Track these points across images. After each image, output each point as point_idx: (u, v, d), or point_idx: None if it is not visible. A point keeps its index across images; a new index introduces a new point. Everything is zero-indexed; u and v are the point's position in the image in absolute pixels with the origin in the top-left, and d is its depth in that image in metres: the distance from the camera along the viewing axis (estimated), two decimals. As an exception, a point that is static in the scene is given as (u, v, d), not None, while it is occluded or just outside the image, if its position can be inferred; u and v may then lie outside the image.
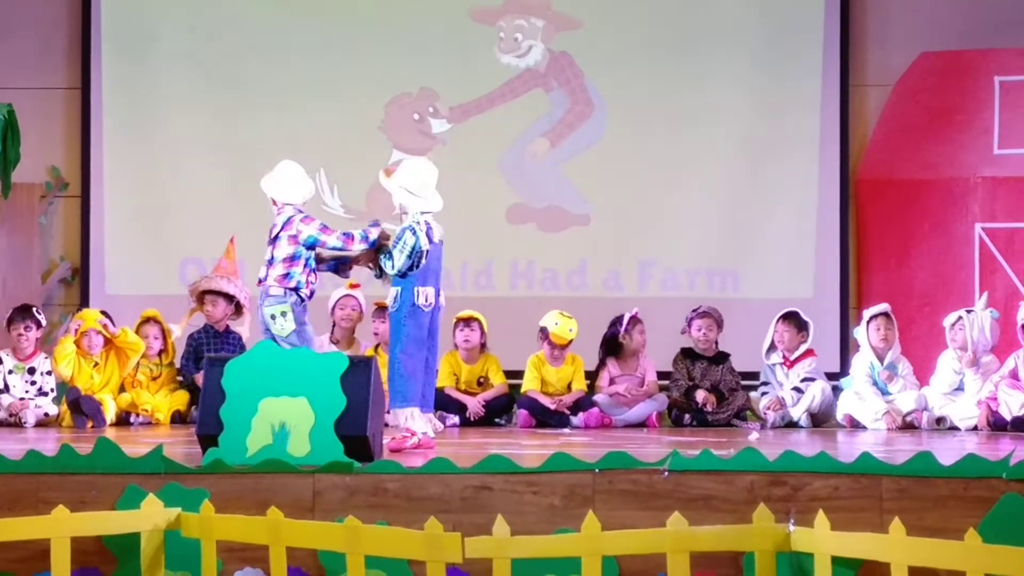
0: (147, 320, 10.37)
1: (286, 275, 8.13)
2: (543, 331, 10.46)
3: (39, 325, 10.20)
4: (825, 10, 11.77)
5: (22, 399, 9.99)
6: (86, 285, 11.58)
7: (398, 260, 8.10)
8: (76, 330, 10.12)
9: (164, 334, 10.39)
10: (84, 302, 11.38)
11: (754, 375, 10.68)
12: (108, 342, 10.16)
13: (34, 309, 10.24)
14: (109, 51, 11.68)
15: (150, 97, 11.70)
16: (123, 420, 10.00)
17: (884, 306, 10.46)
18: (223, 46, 11.72)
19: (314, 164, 11.60)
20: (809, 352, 10.53)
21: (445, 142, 11.76)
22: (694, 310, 10.74)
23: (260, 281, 8.23)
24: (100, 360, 10.17)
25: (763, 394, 10.49)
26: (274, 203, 8.34)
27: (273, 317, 8.13)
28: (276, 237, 8.22)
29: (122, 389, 10.18)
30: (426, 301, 8.16)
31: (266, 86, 11.68)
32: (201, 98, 11.67)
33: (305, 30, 11.73)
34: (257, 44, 11.72)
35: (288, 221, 8.20)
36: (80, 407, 9.75)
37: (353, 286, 10.35)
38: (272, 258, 8.18)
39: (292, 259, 8.14)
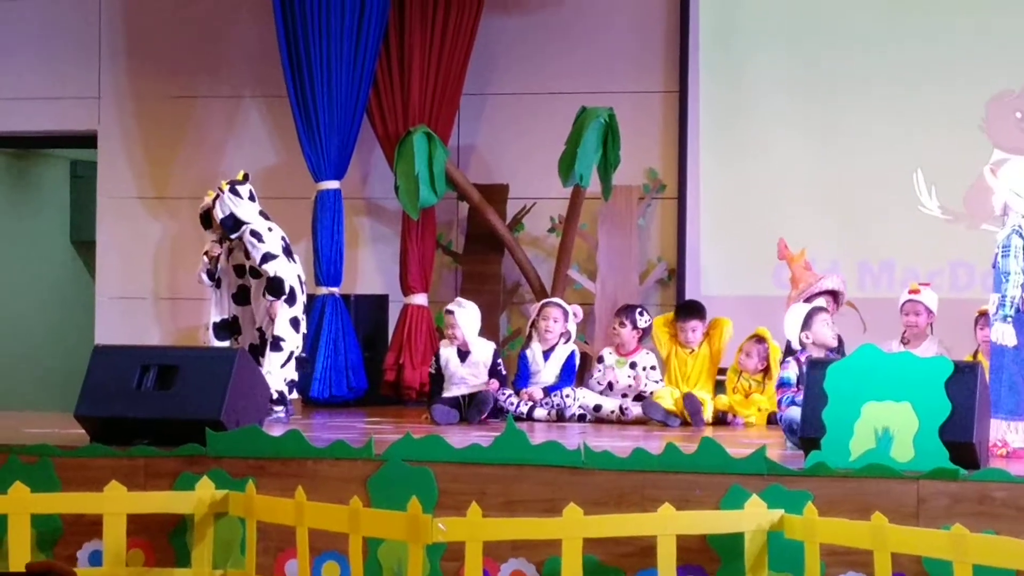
0: (753, 336, 10.31)
1: None
2: None
3: (634, 326, 10.42)
4: None
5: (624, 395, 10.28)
6: (682, 286, 11.75)
7: (1013, 267, 7.86)
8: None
9: (768, 354, 10.19)
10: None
11: None
12: (704, 336, 10.33)
13: (637, 310, 10.47)
14: (706, 53, 11.81)
15: (745, 99, 11.76)
16: (719, 420, 10.10)
17: None
18: (821, 41, 11.63)
19: (912, 163, 11.48)
20: None
21: (1049, 142, 11.36)
22: None
23: None
24: (697, 349, 10.34)
25: None
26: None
27: None
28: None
29: (721, 389, 10.31)
30: None
31: (863, 81, 11.53)
32: (797, 99, 11.62)
33: (904, 22, 11.52)
34: (856, 38, 11.57)
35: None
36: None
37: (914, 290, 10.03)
38: None
39: None
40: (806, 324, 9.47)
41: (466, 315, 10.21)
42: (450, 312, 10.23)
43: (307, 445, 7.71)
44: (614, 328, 10.47)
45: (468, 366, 10.17)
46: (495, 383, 10.06)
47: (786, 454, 7.61)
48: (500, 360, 10.35)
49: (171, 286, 12.55)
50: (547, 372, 10.35)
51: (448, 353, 10.22)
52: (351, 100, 11.60)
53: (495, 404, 10.03)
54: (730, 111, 11.82)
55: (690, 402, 9.88)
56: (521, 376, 10.40)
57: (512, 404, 10.11)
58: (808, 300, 10.27)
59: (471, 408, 9.94)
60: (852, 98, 11.56)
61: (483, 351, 10.21)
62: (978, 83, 11.40)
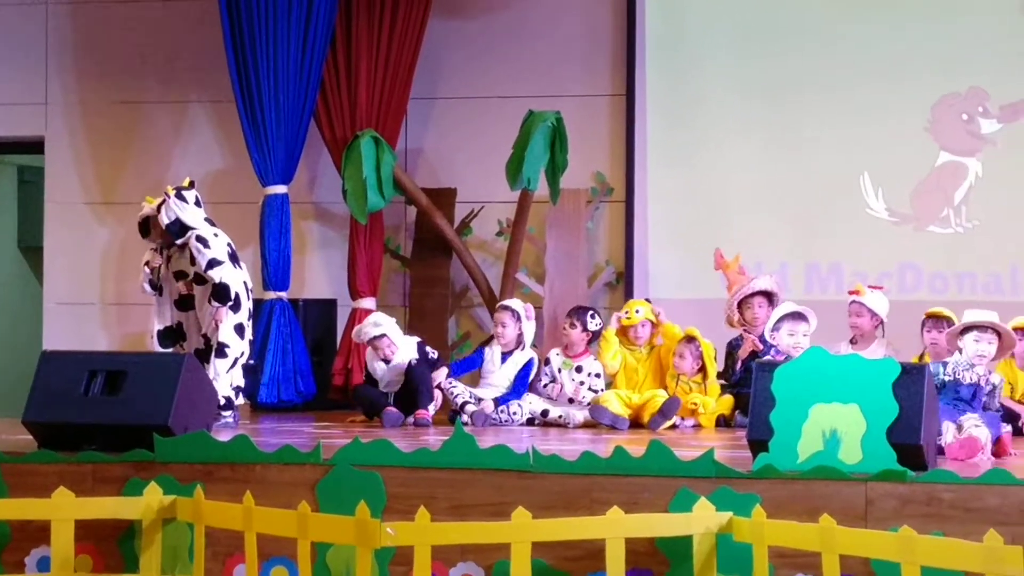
0: (683, 337, 10.28)
1: None
2: None
3: (584, 328, 10.40)
4: None
5: (571, 399, 10.27)
6: (630, 289, 11.77)
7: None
8: (619, 320, 10.37)
9: (702, 353, 10.20)
10: (629, 306, 11.58)
11: None
12: (652, 338, 10.33)
13: (588, 312, 10.45)
14: (654, 57, 11.83)
15: (693, 102, 11.80)
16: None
17: None
18: (769, 45, 11.67)
19: (859, 166, 11.54)
20: None
21: (995, 143, 11.43)
22: None
23: None
24: (645, 352, 10.33)
25: None
26: None
27: None
28: None
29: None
30: None
31: (811, 85, 11.56)
32: (745, 103, 11.67)
33: (851, 26, 11.57)
34: (803, 42, 11.60)
35: None
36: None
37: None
38: None
39: None
40: (776, 326, 9.52)
41: (393, 328, 10.24)
42: (380, 336, 10.20)
43: (255, 450, 7.69)
44: (564, 328, 10.48)
45: (395, 366, 10.24)
46: (426, 415, 10.06)
47: (734, 456, 7.61)
48: (427, 348, 10.39)
49: (119, 292, 12.50)
50: (500, 375, 10.34)
51: (375, 364, 10.33)
52: (298, 104, 11.58)
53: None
54: (678, 114, 11.85)
55: (672, 403, 9.90)
56: (466, 363, 10.44)
57: (458, 396, 10.14)
58: (742, 301, 10.32)
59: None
60: (800, 101, 11.62)
61: (408, 351, 10.27)
62: (924, 86, 11.48)
